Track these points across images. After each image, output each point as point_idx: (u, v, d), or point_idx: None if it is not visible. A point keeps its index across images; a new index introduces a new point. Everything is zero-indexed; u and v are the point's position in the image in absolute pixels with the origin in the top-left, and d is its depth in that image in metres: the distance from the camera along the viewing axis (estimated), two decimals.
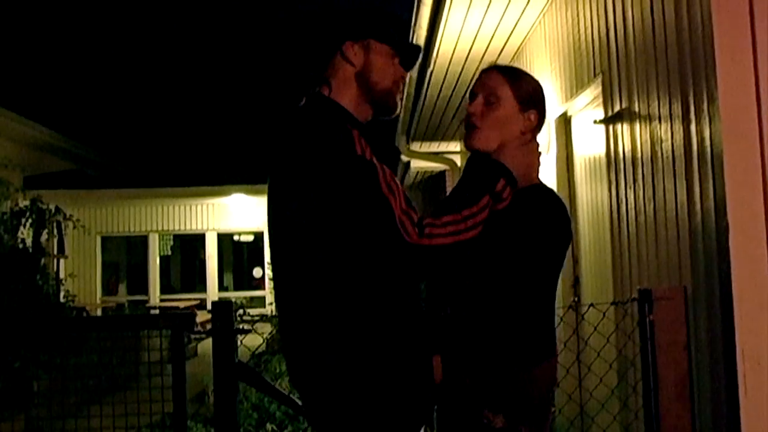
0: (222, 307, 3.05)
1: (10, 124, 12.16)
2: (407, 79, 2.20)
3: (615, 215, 4.02)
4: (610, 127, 4.06)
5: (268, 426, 6.20)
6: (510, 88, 2.18)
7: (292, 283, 2.03)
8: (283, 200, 2.04)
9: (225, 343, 2.98)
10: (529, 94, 2.19)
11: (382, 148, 2.03)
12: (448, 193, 2.15)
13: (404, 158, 10.28)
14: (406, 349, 1.98)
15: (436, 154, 10.63)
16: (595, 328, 3.53)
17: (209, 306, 15.06)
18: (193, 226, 16.52)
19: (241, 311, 12.86)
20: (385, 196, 1.90)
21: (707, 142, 2.89)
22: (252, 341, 3.61)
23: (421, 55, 6.28)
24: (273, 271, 2.16)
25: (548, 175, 5.30)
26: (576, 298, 4.87)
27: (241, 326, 3.07)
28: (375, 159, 1.95)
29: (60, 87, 21.51)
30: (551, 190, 2.23)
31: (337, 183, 1.91)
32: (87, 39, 23.17)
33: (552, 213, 2.14)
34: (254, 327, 3.66)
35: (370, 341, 1.95)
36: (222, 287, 18.27)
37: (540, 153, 2.25)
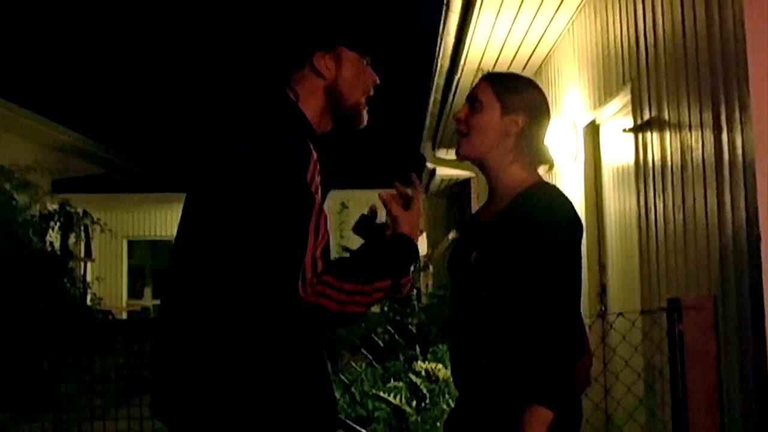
0: None
1: (40, 128, 12.31)
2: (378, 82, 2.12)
3: (643, 224, 3.99)
4: (639, 136, 4.03)
5: None
6: (492, 92, 2.17)
7: (189, 292, 1.94)
8: (209, 199, 1.91)
9: None
10: (514, 98, 2.16)
11: (330, 177, 1.94)
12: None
13: (430, 166, 10.25)
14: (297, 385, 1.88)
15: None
16: (624, 338, 3.50)
17: None
18: None
19: None
20: (307, 232, 1.80)
21: (738, 151, 2.86)
22: None
23: (449, 62, 6.29)
24: (170, 276, 2.07)
25: (576, 182, 5.28)
26: (603, 307, 4.83)
27: None
28: (319, 194, 1.84)
29: (89, 91, 21.74)
30: (557, 189, 2.19)
31: (269, 198, 1.81)
32: (117, 44, 23.42)
33: (563, 217, 2.08)
34: None
35: (263, 368, 1.84)
36: None
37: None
